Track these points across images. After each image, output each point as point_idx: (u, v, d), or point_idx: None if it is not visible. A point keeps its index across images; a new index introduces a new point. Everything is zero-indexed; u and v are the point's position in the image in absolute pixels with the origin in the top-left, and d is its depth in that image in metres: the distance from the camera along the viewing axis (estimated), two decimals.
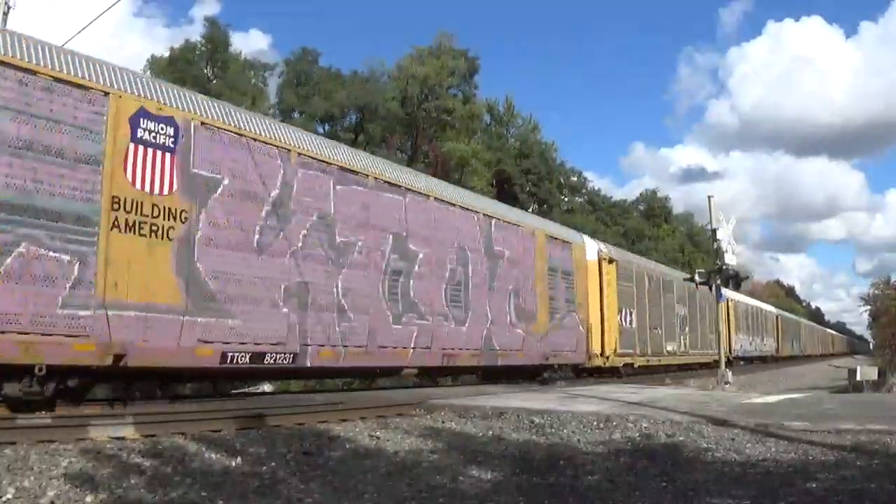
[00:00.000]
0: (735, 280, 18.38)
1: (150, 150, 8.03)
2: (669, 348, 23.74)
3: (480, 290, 13.56)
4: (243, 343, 8.80)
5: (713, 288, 17.88)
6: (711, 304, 29.76)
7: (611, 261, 19.39)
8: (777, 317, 47.97)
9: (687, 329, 26.28)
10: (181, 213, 8.25)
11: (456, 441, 7.13)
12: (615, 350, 18.72)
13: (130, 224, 7.72)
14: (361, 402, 9.79)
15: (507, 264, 14.49)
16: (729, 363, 28.74)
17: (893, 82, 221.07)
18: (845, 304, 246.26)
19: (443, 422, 8.54)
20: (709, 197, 17.52)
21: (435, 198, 12.73)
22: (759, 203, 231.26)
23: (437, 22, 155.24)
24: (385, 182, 11.62)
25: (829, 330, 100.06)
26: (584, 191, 56.41)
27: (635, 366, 20.32)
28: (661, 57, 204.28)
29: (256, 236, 9.17)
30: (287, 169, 9.76)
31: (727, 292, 32.36)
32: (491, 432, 7.74)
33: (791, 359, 49.85)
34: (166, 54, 35.51)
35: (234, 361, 8.68)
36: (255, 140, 9.34)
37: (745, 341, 36.12)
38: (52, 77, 7.26)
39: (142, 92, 8.11)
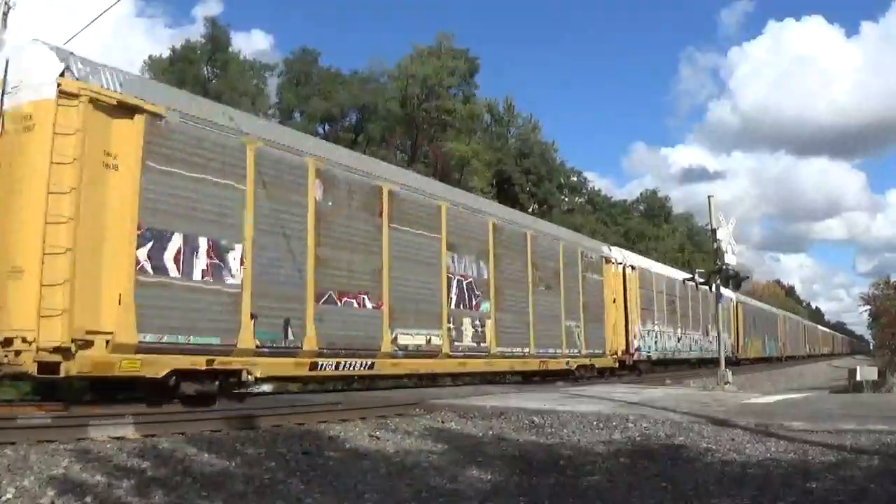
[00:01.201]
0: (735, 280, 18.21)
1: None
2: (416, 340, 12.17)
3: None
4: None
5: (713, 288, 17.70)
6: (574, 265, 17.48)
7: (129, 109, 7.93)
8: (736, 303, 34.81)
9: (490, 307, 14.21)
10: None
11: (456, 441, 7.13)
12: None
13: None
14: (361, 402, 9.79)
15: None
16: (633, 367, 20.39)
17: (894, 82, 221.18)
18: (845, 304, 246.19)
19: (443, 422, 8.54)
20: (709, 197, 17.41)
21: None
22: (760, 203, 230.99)
23: (437, 22, 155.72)
24: None
25: (820, 327, 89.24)
26: (584, 191, 56.46)
27: (255, 377, 9.62)
28: (661, 57, 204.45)
29: None
30: None
31: (629, 256, 22.57)
32: (491, 432, 7.74)
33: (764, 361, 38.93)
34: (166, 54, 35.53)
35: None
36: None
37: (664, 335, 23.78)
38: None
39: None
